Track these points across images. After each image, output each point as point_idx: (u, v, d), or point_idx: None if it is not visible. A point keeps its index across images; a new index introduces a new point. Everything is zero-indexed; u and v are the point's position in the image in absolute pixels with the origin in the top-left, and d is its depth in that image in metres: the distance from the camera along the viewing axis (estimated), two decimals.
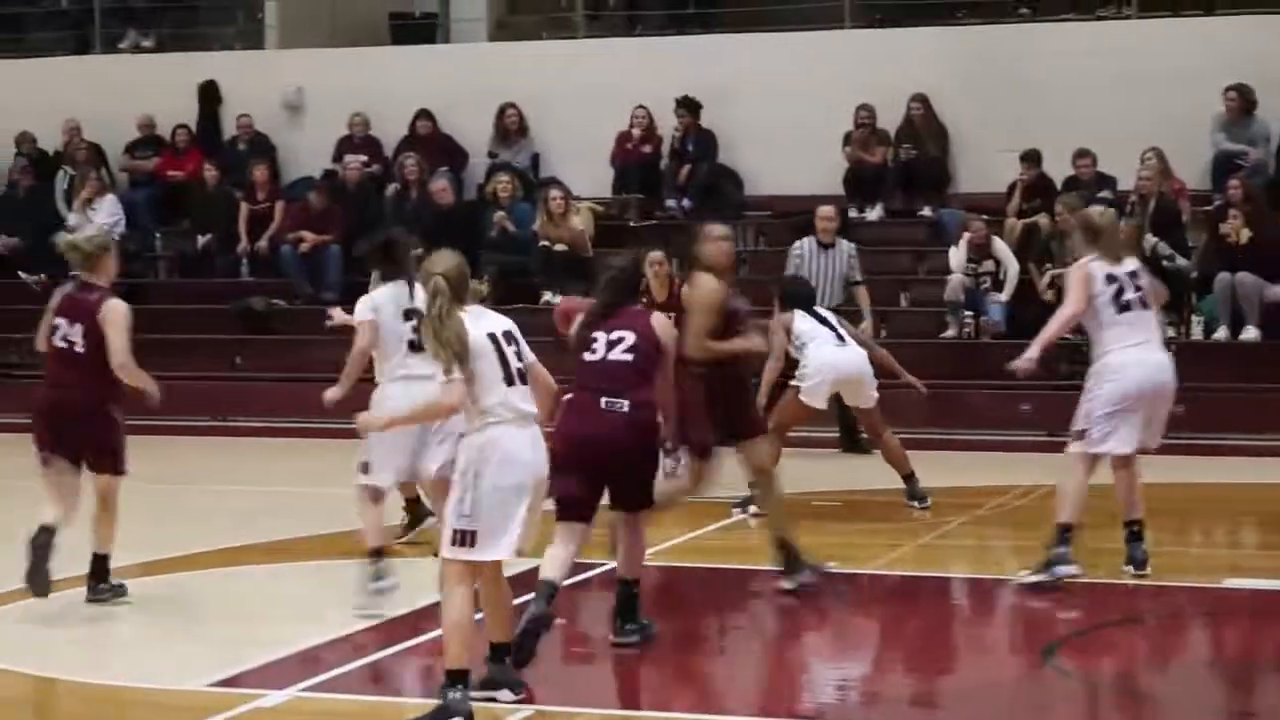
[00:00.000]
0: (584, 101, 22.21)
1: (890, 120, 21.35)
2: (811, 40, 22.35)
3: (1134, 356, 11.22)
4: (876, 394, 14.31)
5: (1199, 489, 15.37)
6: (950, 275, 19.42)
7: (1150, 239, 18.46)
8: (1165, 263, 18.37)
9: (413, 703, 8.91)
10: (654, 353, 9.61)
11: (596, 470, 9.50)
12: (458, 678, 8.28)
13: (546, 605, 9.12)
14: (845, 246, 17.33)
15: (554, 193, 20.61)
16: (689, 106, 21.75)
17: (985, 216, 19.66)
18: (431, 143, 22.53)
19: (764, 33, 22.78)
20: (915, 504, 14.29)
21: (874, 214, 21.21)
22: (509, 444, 8.35)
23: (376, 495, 11.09)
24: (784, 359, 14.11)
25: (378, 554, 10.84)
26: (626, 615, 9.87)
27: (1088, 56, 20.95)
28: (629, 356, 9.52)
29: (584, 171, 22.02)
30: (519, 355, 8.49)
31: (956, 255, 19.43)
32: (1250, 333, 18.56)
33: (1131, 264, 11.51)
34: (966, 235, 19.40)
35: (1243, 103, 20.10)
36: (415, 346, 10.63)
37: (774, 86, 21.76)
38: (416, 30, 24.82)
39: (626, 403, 9.45)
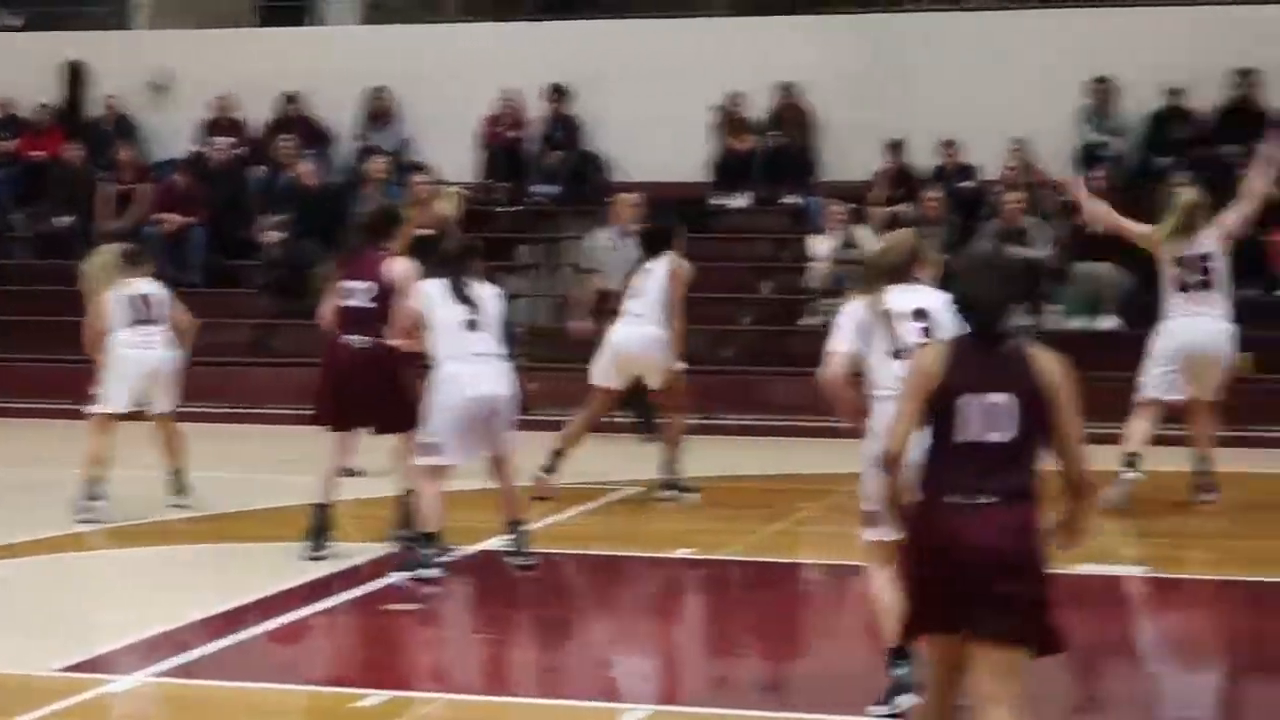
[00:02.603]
0: (454, 86, 22.17)
1: (758, 108, 21.45)
2: (681, 27, 22.44)
3: None
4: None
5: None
6: (813, 262, 19.53)
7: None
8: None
9: (263, 688, 8.90)
10: None
11: None
12: (898, 654, 8.12)
13: None
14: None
15: (418, 178, 20.53)
16: (557, 92, 21.78)
17: (851, 205, 19.79)
18: (298, 125, 22.42)
19: (633, 19, 22.83)
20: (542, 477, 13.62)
21: (741, 201, 21.30)
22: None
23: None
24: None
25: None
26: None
27: (955, 45, 21.15)
28: None
29: (454, 156, 21.94)
30: (928, 331, 8.10)
31: (822, 243, 19.54)
32: (1109, 322, 18.72)
33: None
34: (830, 222, 19.54)
35: (1105, 95, 20.44)
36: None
37: (643, 73, 21.79)
38: (286, 13, 24.67)
39: None
